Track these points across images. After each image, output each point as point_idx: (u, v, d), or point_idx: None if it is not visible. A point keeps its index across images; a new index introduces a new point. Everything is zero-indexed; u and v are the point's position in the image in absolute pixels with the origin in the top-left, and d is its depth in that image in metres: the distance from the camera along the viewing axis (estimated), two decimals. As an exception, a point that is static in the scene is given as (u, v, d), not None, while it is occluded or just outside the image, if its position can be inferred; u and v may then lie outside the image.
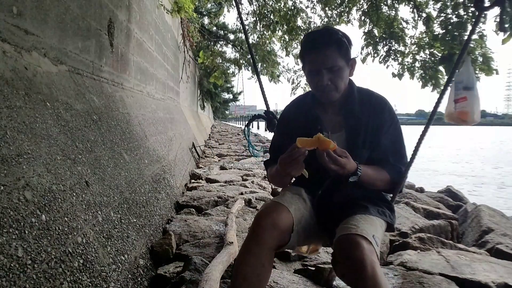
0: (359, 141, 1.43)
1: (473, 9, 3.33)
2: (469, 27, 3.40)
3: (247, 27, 7.61)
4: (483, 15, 1.76)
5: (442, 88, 3.73)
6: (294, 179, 1.57)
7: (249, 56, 8.61)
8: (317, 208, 1.47)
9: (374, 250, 1.12)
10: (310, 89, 1.54)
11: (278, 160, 1.31)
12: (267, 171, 1.61)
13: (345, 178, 1.29)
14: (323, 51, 1.35)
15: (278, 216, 1.28)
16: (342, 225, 1.24)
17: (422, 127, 1.66)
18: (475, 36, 3.36)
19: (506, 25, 2.44)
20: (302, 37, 1.58)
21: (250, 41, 8.16)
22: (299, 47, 6.62)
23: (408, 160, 1.51)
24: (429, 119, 1.68)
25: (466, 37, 3.36)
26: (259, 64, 8.33)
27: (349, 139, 1.43)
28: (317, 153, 1.23)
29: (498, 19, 2.81)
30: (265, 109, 2.06)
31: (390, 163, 1.43)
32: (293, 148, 1.25)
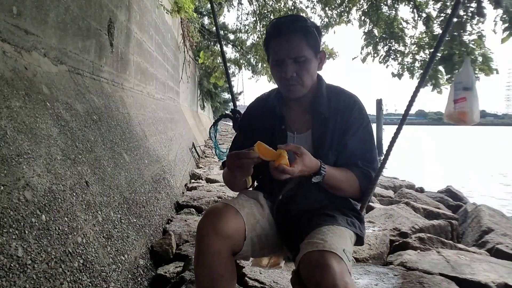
0: (325, 143, 1.29)
1: (472, 9, 3.33)
2: (469, 28, 3.40)
3: (246, 27, 7.63)
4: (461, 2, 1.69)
5: (441, 88, 3.74)
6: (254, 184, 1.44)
7: (249, 56, 8.61)
8: (276, 216, 1.30)
9: (346, 268, 0.97)
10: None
11: (227, 159, 1.17)
12: (223, 171, 1.43)
13: (308, 178, 1.16)
14: (288, 38, 1.21)
15: (221, 220, 1.12)
16: (307, 240, 1.07)
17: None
18: (474, 37, 3.37)
19: (485, 11, 2.41)
20: (268, 25, 1.40)
21: (250, 41, 8.17)
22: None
23: (379, 164, 1.37)
24: (402, 118, 1.52)
25: (467, 39, 3.38)
26: (259, 64, 8.33)
27: (315, 140, 1.30)
28: (270, 165, 1.08)
29: (476, 4, 2.79)
30: (232, 107, 1.90)
31: (358, 167, 1.28)
32: (248, 151, 1.11)
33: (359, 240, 1.26)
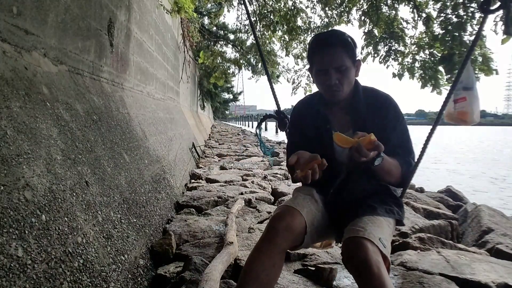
0: None
1: (472, 9, 3.33)
2: (469, 28, 3.39)
3: (246, 27, 7.63)
4: (487, 18, 1.77)
5: (441, 88, 3.74)
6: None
7: (249, 56, 8.61)
8: (328, 207, 1.51)
9: (379, 252, 1.16)
10: (316, 90, 1.58)
11: (287, 161, 1.34)
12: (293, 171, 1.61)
13: (371, 162, 1.29)
14: (331, 51, 1.39)
15: (291, 220, 1.32)
16: (349, 227, 1.28)
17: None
18: (474, 37, 3.36)
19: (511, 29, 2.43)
20: (309, 39, 1.58)
21: (250, 41, 8.17)
22: (299, 47, 6.63)
23: (416, 158, 1.53)
24: (436, 119, 1.68)
25: (467, 39, 3.38)
26: (259, 64, 8.32)
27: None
28: (350, 152, 1.24)
29: (499, 20, 2.81)
30: (277, 108, 2.08)
31: (400, 156, 1.44)
32: (315, 158, 1.27)
33: (399, 223, 1.49)
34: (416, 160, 1.51)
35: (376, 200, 1.43)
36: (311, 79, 1.70)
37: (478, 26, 3.24)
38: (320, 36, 1.51)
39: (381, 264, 1.12)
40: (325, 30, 1.65)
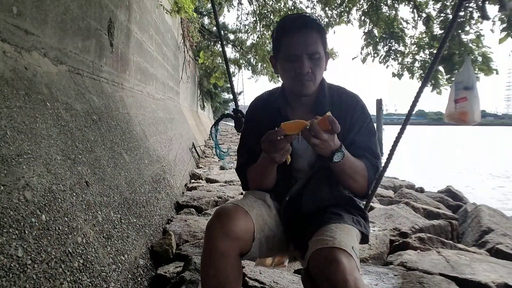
0: None
1: (471, 9, 3.33)
2: (468, 27, 3.39)
3: (246, 27, 7.63)
4: (462, 6, 1.72)
5: (441, 88, 3.74)
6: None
7: (249, 56, 8.60)
8: (284, 217, 1.31)
9: (355, 264, 0.99)
10: (274, 86, 1.42)
11: (262, 146, 1.14)
12: (244, 176, 1.41)
13: (329, 158, 1.15)
14: (306, 34, 1.21)
15: (232, 222, 1.11)
16: (316, 237, 1.09)
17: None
18: (472, 36, 3.37)
19: (488, 13, 2.41)
20: (278, 23, 1.37)
21: (250, 41, 8.16)
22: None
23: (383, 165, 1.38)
24: (406, 119, 1.56)
25: (467, 39, 3.38)
26: (259, 64, 8.32)
27: None
28: (302, 133, 1.08)
29: (479, 6, 2.79)
30: (234, 106, 1.89)
31: (366, 159, 1.29)
32: (277, 133, 1.08)
33: (364, 239, 1.27)
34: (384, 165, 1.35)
35: (341, 209, 1.27)
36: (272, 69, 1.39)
37: (476, 25, 3.24)
38: (291, 17, 1.30)
39: (359, 281, 0.93)
40: (292, 14, 1.44)
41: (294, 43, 1.22)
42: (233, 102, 1.96)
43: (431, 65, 1.57)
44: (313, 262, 1.01)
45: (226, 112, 1.94)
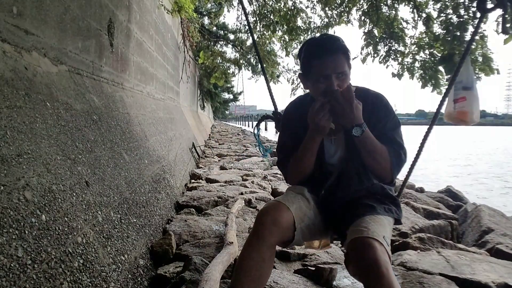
0: None
1: (474, 9, 3.33)
2: (471, 28, 3.39)
3: (246, 27, 7.62)
4: (485, 17, 1.77)
5: (442, 88, 3.74)
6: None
7: (249, 56, 8.61)
8: (321, 207, 1.50)
9: (386, 251, 1.16)
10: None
11: (309, 120, 1.39)
12: (286, 169, 1.61)
13: (349, 130, 1.35)
14: (334, 57, 1.39)
15: (277, 214, 1.32)
16: (352, 228, 1.28)
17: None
18: (476, 37, 3.36)
19: (508, 25, 2.43)
20: (304, 44, 1.55)
21: (250, 41, 8.16)
22: (299, 47, 6.63)
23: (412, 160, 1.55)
24: (432, 120, 1.68)
25: (467, 38, 3.38)
26: (259, 65, 8.32)
27: (348, 140, 1.46)
28: (335, 93, 1.33)
29: (500, 20, 2.80)
30: (274, 109, 2.15)
31: (390, 145, 1.44)
32: (319, 101, 1.34)
33: (397, 222, 1.46)
34: (413, 157, 1.52)
35: (374, 200, 1.43)
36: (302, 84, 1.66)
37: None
38: (318, 41, 1.48)
39: (389, 264, 1.12)
40: (319, 35, 1.61)
41: (324, 67, 1.40)
42: (273, 106, 2.21)
43: (453, 76, 1.67)
44: (351, 247, 1.21)
45: (266, 113, 2.14)
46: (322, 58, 1.40)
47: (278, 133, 1.80)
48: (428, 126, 1.63)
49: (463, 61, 1.67)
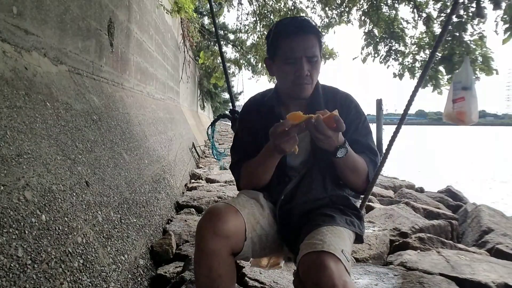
0: None
1: (473, 9, 3.33)
2: (469, 28, 3.39)
3: (246, 27, 7.62)
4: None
5: (442, 88, 3.74)
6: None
7: (249, 56, 8.60)
8: (277, 216, 1.30)
9: (344, 268, 0.98)
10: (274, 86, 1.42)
11: (271, 138, 1.12)
12: (238, 175, 1.41)
13: (333, 153, 1.15)
14: (305, 38, 1.22)
15: (222, 220, 1.11)
16: (306, 241, 1.09)
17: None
18: (475, 37, 3.37)
19: (485, 11, 2.42)
20: (273, 25, 1.36)
21: (250, 41, 8.16)
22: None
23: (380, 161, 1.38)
24: (401, 118, 1.52)
25: (468, 39, 3.38)
26: (259, 64, 8.32)
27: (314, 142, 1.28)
28: (307, 125, 1.08)
29: (498, 20, 2.81)
30: (231, 107, 1.89)
31: (366, 154, 1.31)
32: (285, 124, 1.09)
33: (359, 239, 1.27)
34: (379, 162, 1.35)
35: (335, 210, 1.26)
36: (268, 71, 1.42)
37: (478, 26, 3.24)
38: (290, 20, 1.30)
39: (348, 284, 0.93)
40: (289, 17, 1.41)
41: (293, 46, 1.22)
42: (231, 103, 1.97)
43: (426, 64, 1.55)
44: (302, 266, 1.00)
45: (224, 112, 1.91)
46: (291, 36, 1.22)
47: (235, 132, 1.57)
48: (396, 126, 1.47)
49: (443, 36, 1.51)
